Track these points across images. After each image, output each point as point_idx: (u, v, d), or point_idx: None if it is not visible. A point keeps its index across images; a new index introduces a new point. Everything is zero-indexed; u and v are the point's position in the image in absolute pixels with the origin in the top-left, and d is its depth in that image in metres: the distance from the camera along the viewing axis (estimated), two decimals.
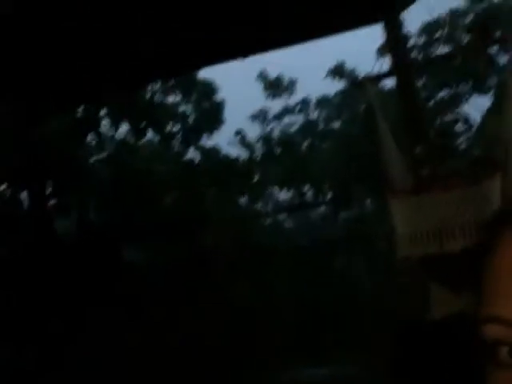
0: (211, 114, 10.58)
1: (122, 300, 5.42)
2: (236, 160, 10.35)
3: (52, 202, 6.17)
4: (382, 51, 10.27)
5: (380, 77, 4.17)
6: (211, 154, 10.12)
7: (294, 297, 5.98)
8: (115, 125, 8.69)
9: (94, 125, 7.78)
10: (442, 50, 8.80)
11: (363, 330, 4.87)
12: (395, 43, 4.25)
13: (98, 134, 7.91)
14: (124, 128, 9.00)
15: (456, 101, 9.18)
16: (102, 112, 8.13)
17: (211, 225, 9.00)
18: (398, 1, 4.01)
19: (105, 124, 8.36)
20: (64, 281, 5.31)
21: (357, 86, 3.69)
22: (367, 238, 6.43)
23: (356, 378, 4.31)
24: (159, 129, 9.69)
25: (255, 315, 5.54)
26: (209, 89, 10.64)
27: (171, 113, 9.90)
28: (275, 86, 13.57)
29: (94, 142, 7.89)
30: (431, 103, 8.55)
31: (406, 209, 3.24)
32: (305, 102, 13.98)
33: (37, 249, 5.39)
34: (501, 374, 0.47)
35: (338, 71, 13.91)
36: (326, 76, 13.61)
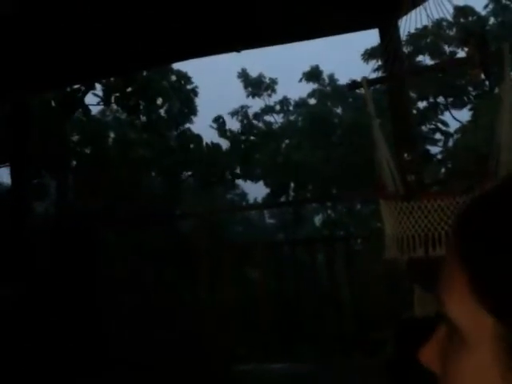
0: (187, 101, 10.61)
1: (98, 285, 5.39)
2: (217, 147, 10.38)
3: (32, 182, 6.09)
4: (367, 57, 10.38)
5: (376, 81, 4.21)
6: (193, 141, 10.14)
7: (267, 291, 6.01)
8: (100, 105, 8.63)
9: (79, 104, 7.69)
10: (425, 59, 8.92)
11: (335, 327, 4.94)
12: (391, 49, 4.30)
13: (84, 113, 7.83)
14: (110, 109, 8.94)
15: (435, 111, 9.32)
16: (88, 92, 8.04)
17: (189, 213, 8.98)
18: (396, 6, 4.05)
19: (89, 104, 8.28)
20: (41, 263, 5.26)
21: (353, 89, 3.71)
22: (346, 238, 6.50)
23: (320, 373, 4.38)
24: (147, 111, 9.65)
25: (227, 307, 5.55)
26: (183, 78, 10.69)
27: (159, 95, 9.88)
28: (256, 85, 13.63)
29: (76, 122, 7.82)
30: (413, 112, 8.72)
31: (396, 213, 3.30)
32: (285, 102, 14.09)
33: (14, 230, 5.32)
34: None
35: (312, 74, 14.05)
36: (301, 79, 13.75)
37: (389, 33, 4.26)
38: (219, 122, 11.47)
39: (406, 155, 4.08)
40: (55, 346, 4.61)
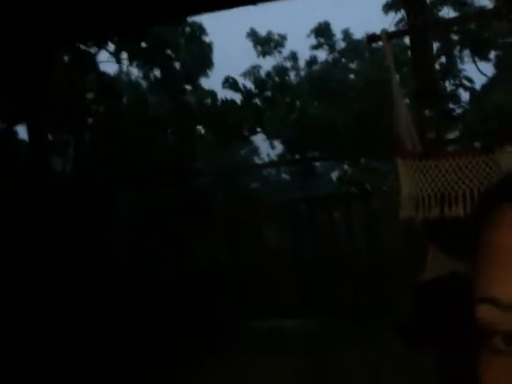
0: (202, 56, 10.49)
1: (113, 244, 5.45)
2: (233, 103, 10.30)
3: (50, 139, 6.11)
4: (387, 8, 10.12)
5: (396, 34, 4.11)
6: (208, 97, 10.07)
7: (281, 249, 6.03)
8: (117, 62, 8.57)
9: (94, 61, 7.64)
10: (448, 12, 8.67)
11: (350, 285, 4.96)
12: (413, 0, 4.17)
13: (98, 71, 7.79)
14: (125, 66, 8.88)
15: (459, 65, 9.12)
16: (104, 49, 7.98)
17: (204, 170, 8.99)
18: None
19: (106, 60, 8.23)
20: (56, 221, 5.31)
21: (372, 42, 3.63)
22: (363, 196, 6.47)
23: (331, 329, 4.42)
24: (162, 67, 9.57)
25: (238, 264, 5.60)
26: (198, 30, 10.51)
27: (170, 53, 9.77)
28: (265, 43, 13.40)
29: (91, 80, 7.79)
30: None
31: (412, 172, 3.26)
32: (294, 58, 13.87)
33: (32, 186, 5.36)
34: (493, 360, 0.43)
35: (321, 31, 13.78)
36: (309, 35, 13.50)
37: None
38: (229, 82, 11.34)
39: (426, 112, 4.01)
40: (73, 303, 4.70)
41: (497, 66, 8.59)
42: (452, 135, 3.97)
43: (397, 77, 3.47)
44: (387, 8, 10.07)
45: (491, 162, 3.05)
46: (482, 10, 6.57)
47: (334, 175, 10.95)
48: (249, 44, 13.08)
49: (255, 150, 12.01)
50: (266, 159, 11.80)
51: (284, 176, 11.23)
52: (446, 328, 2.72)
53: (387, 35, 3.54)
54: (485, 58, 8.47)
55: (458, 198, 3.12)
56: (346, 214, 6.01)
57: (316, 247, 5.55)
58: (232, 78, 11.25)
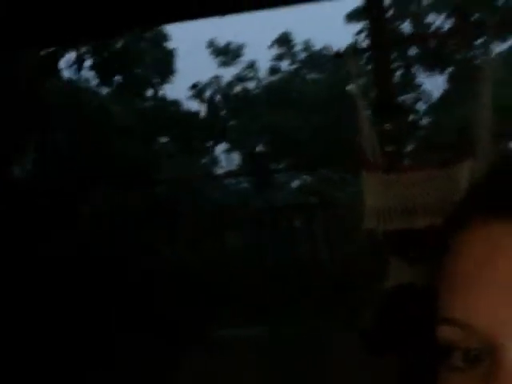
0: (164, 62, 10.48)
1: (73, 247, 5.40)
2: (196, 114, 10.33)
3: (9, 142, 6.02)
4: (350, 19, 10.36)
5: (361, 50, 4.24)
6: (170, 105, 10.06)
7: (243, 255, 6.09)
8: (79, 68, 8.50)
9: (56, 66, 7.57)
10: (406, 27, 8.97)
11: (311, 292, 5.05)
12: (376, 17, 4.31)
13: (59, 77, 7.71)
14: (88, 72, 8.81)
15: (414, 80, 9.41)
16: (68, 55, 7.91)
17: (164, 179, 8.98)
18: None
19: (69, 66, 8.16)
20: (16, 226, 5.23)
21: (339, 57, 3.73)
22: (323, 205, 6.59)
23: (298, 336, 4.49)
24: (124, 75, 9.52)
25: (202, 270, 5.62)
26: (161, 37, 10.51)
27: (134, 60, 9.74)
28: (225, 53, 13.49)
29: (55, 84, 7.71)
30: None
31: (376, 184, 3.37)
32: (254, 67, 14.02)
33: None
34: (452, 377, 0.44)
35: (284, 40, 13.99)
36: (272, 45, 13.68)
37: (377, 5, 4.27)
38: (196, 89, 11.37)
39: (386, 125, 4.14)
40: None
41: (452, 80, 8.92)
42: (412, 148, 4.11)
43: (360, 90, 3.59)
44: (349, 18, 10.30)
45: (450, 176, 3.19)
46: (439, 28, 6.86)
47: (295, 185, 11.10)
48: (209, 54, 13.15)
49: (216, 160, 12.07)
50: (227, 169, 11.88)
51: (245, 185, 11.30)
52: (406, 337, 2.82)
53: (352, 51, 3.66)
54: (441, 71, 8.80)
55: (417, 211, 3.25)
56: (307, 222, 6.12)
57: (277, 255, 5.63)
58: (196, 86, 11.29)
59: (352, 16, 10.16)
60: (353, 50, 3.62)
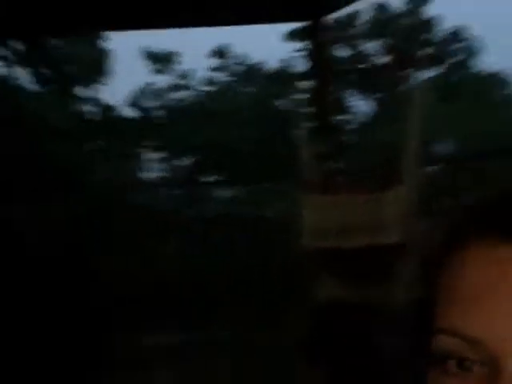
0: (98, 63, 10.35)
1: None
2: (129, 119, 10.23)
3: None
4: (289, 37, 10.64)
5: (301, 77, 4.41)
6: (105, 109, 9.93)
7: (173, 265, 6.10)
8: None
9: None
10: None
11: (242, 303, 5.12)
12: (318, 44, 4.49)
13: None
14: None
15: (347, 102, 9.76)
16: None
17: (95, 184, 8.83)
18: (329, 2, 4.24)
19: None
20: None
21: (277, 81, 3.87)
22: (256, 219, 6.70)
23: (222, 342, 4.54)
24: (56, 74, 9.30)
25: (129, 278, 5.60)
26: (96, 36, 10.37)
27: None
28: (160, 61, 13.49)
29: None
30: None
31: (314, 204, 3.53)
32: (189, 77, 14.10)
33: None
34: (445, 381, 0.46)
35: (220, 52, 14.18)
36: (209, 56, 13.84)
37: (318, 29, 4.45)
38: (131, 96, 11.29)
39: (322, 146, 4.31)
40: None
41: (382, 104, 9.35)
42: (345, 169, 4.29)
43: (300, 112, 3.74)
44: (288, 37, 10.57)
45: (379, 200, 3.38)
46: (374, 54, 7.22)
47: (228, 197, 11.19)
48: (143, 61, 13.07)
49: (149, 167, 11.99)
50: (159, 177, 11.83)
51: (176, 194, 11.26)
52: (339, 350, 2.96)
53: (293, 75, 3.81)
54: (372, 96, 9.22)
55: (350, 232, 3.42)
56: (238, 234, 6.21)
57: (209, 264, 5.68)
58: (134, 92, 11.21)
59: (292, 35, 10.43)
60: (293, 73, 3.76)
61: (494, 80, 11.89)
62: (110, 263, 5.71)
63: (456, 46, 11.01)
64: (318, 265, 3.67)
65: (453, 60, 10.99)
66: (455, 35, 11.30)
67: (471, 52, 11.37)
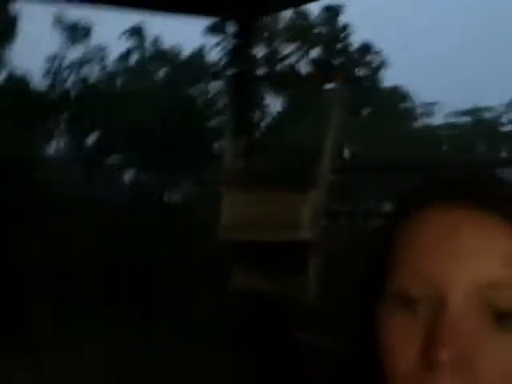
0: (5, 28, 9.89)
1: None
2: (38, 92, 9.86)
3: None
4: (210, 31, 10.72)
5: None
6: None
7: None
8: None
9: None
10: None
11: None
12: (245, 48, 4.64)
13: None
14: None
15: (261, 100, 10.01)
16: None
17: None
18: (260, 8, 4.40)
19: None
20: None
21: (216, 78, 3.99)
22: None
23: None
24: None
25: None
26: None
27: None
28: (72, 32, 13.08)
29: None
30: None
31: (231, 198, 3.70)
32: (101, 50, 13.78)
33: None
34: (398, 322, 0.51)
35: (135, 32, 14.01)
36: (123, 34, 13.62)
37: (247, 32, 4.61)
38: (41, 66, 10.87)
39: (236, 143, 4.43)
40: None
41: (291, 102, 9.69)
42: (260, 167, 4.48)
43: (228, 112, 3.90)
44: (208, 30, 10.66)
45: (293, 201, 3.60)
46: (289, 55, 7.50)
47: (135, 180, 11.09)
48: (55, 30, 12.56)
49: (54, 142, 11.60)
50: (60, 154, 11.49)
51: (81, 174, 11.01)
52: (255, 337, 3.15)
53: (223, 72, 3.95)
54: (282, 94, 9.55)
55: (262, 227, 3.62)
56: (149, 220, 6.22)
57: (121, 251, 5.67)
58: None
59: (210, 29, 10.53)
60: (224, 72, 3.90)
61: (396, 94, 12.64)
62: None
63: (365, 59, 11.59)
64: (233, 256, 3.85)
65: (360, 72, 11.57)
66: (365, 47, 11.88)
67: (378, 65, 12.01)
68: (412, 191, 0.55)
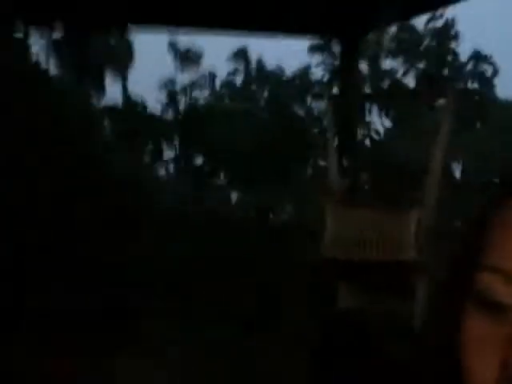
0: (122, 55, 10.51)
1: None
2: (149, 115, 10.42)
3: None
4: (312, 50, 10.84)
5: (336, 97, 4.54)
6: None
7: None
8: None
9: None
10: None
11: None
12: (351, 67, 4.63)
13: None
14: None
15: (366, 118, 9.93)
16: None
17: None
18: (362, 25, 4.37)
19: None
20: None
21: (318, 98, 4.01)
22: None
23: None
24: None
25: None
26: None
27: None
28: (185, 58, 13.67)
29: None
30: None
31: (335, 214, 3.66)
32: (211, 78, 14.27)
33: None
34: (480, 319, 0.48)
35: (240, 55, 14.35)
36: (228, 58, 14.00)
37: (351, 50, 4.59)
38: (153, 90, 11.48)
39: (346, 161, 4.43)
40: None
41: (397, 122, 9.51)
42: (369, 185, 4.43)
43: (332, 128, 3.89)
44: (311, 50, 10.79)
45: (400, 219, 3.51)
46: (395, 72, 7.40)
47: (241, 199, 11.38)
48: (167, 56, 13.22)
49: (162, 163, 12.14)
50: (170, 173, 12.04)
51: (188, 194, 11.44)
52: (353, 359, 3.09)
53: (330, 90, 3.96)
54: (387, 114, 9.39)
55: (370, 245, 3.55)
56: (250, 237, 6.29)
57: (224, 266, 5.75)
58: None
59: (313, 47, 10.63)
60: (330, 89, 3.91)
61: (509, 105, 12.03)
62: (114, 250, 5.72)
63: (475, 70, 11.16)
64: (336, 274, 3.81)
65: (471, 84, 11.15)
66: (476, 58, 11.44)
67: (488, 77, 11.50)
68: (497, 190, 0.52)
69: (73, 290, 4.95)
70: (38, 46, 8.66)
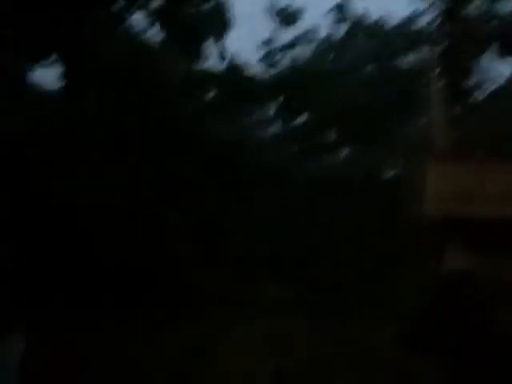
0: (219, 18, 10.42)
1: None
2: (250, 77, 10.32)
3: None
4: None
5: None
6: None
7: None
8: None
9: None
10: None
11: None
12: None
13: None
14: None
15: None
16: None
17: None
18: None
19: None
20: None
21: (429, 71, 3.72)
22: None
23: None
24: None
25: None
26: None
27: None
28: (284, 15, 13.31)
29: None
30: None
31: (442, 172, 3.42)
32: (311, 35, 13.83)
33: None
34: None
35: (339, 9, 13.72)
36: (328, 12, 13.44)
37: None
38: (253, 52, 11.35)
39: (455, 111, 4.12)
40: None
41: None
42: (475, 137, 4.09)
43: (438, 79, 3.60)
44: None
45: (503, 174, 3.20)
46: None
47: (343, 156, 11.13)
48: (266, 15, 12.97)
49: (265, 123, 12.09)
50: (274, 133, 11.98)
51: (291, 153, 11.28)
52: (457, 335, 2.87)
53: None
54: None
55: (482, 201, 3.29)
56: (351, 197, 6.10)
57: (320, 227, 5.66)
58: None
59: None
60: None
61: None
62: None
63: None
64: (445, 234, 3.58)
65: None
66: None
67: None
68: None
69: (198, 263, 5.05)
70: (139, 15, 8.82)
